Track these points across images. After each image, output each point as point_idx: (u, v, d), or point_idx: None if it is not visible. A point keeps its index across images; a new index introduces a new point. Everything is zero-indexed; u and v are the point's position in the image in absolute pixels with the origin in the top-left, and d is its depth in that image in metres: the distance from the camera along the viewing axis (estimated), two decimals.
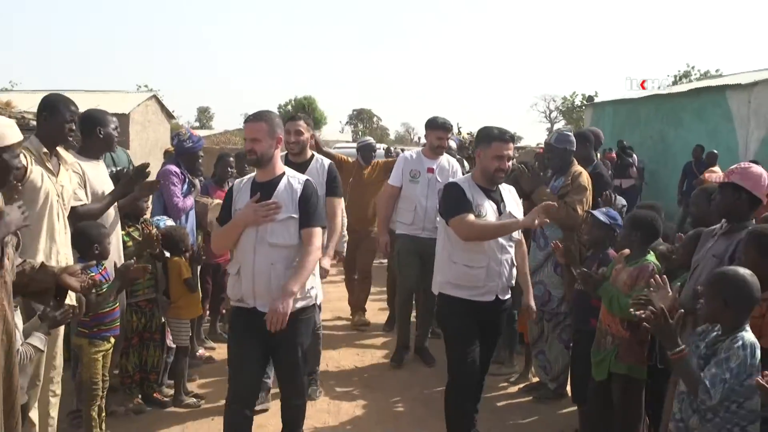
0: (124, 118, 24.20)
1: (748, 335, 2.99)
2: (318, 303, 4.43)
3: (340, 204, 5.65)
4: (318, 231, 4.17)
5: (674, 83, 42.79)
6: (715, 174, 3.81)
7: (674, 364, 3.11)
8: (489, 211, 4.53)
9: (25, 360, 3.29)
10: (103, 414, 4.75)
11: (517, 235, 4.71)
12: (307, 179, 4.26)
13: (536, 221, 4.45)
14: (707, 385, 2.90)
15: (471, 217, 4.44)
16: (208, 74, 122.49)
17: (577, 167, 5.80)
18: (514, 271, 4.70)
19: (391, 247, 7.05)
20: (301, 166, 5.28)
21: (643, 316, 3.21)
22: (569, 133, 6.07)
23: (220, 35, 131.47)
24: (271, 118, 4.15)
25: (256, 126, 4.10)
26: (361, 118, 78.18)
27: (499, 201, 4.64)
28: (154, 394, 5.50)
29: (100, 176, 4.96)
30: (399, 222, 6.74)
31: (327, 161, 5.68)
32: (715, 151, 13.96)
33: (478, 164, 4.66)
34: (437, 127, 6.65)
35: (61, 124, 4.39)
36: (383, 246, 7.00)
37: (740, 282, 3.05)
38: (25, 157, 4.06)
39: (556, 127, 49.90)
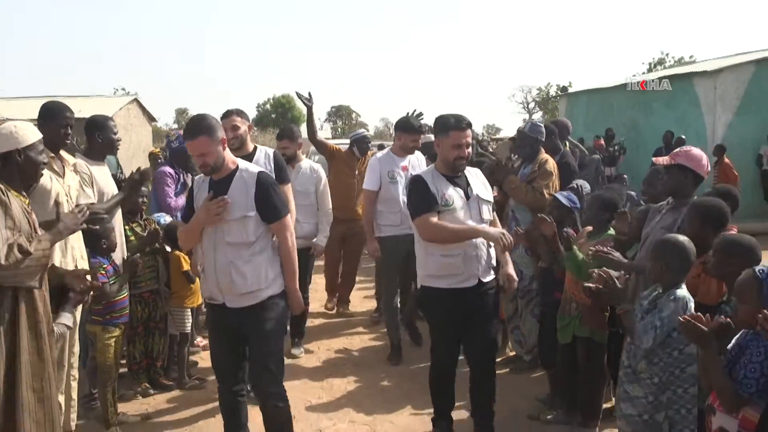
0: None
1: (681, 291, 3.49)
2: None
3: (290, 190, 5.58)
4: (285, 221, 4.20)
5: (649, 71, 43.42)
6: (662, 158, 4.28)
7: (622, 319, 3.61)
8: (455, 198, 4.55)
9: (61, 336, 3.73)
10: (116, 395, 5.18)
11: (488, 215, 4.69)
12: (259, 171, 4.18)
13: (500, 240, 4.38)
14: (640, 332, 3.39)
15: (433, 218, 4.47)
16: (185, 76, 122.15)
17: (544, 155, 6.29)
18: (493, 251, 4.70)
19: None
20: (245, 159, 5.09)
21: (594, 283, 3.72)
22: (541, 125, 6.54)
23: (196, 36, 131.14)
24: (208, 126, 4.00)
25: (197, 142, 3.99)
26: (339, 115, 78.14)
27: (465, 186, 4.64)
28: (160, 379, 5.93)
29: (104, 178, 5.37)
30: (385, 225, 6.72)
31: (271, 151, 5.65)
32: (683, 137, 14.58)
33: (439, 154, 4.67)
34: (413, 130, 6.70)
35: (57, 129, 4.72)
36: (373, 252, 6.91)
37: (679, 247, 3.55)
38: None
39: (534, 117, 50.45)
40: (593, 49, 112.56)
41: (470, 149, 4.64)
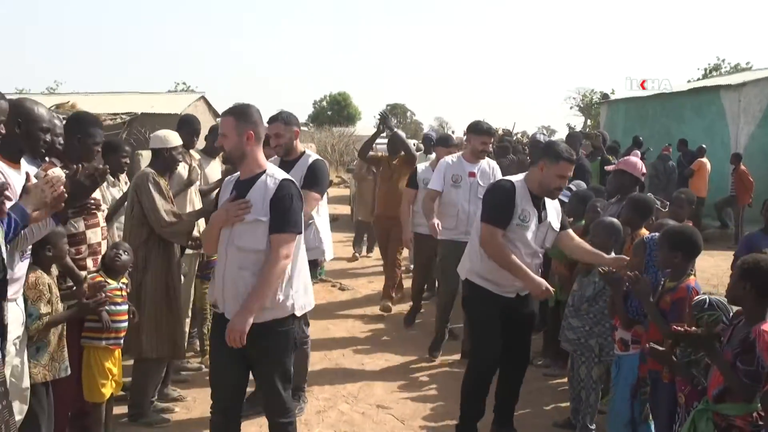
0: (175, 119, 26.32)
1: None
2: (298, 313, 4.01)
3: (313, 197, 5.11)
4: (287, 238, 3.80)
5: (704, 76, 43.78)
6: (611, 165, 5.96)
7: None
8: (532, 217, 4.70)
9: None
10: None
11: (549, 243, 4.93)
12: (284, 179, 3.90)
13: (541, 291, 4.66)
14: (585, 285, 4.98)
15: (500, 234, 4.61)
16: (246, 74, 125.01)
17: None
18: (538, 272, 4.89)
19: (417, 248, 7.69)
20: (290, 164, 5.15)
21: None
22: (545, 134, 8.21)
23: (253, 32, 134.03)
24: (242, 112, 3.89)
25: (224, 121, 3.93)
26: (395, 114, 79.32)
27: (541, 209, 4.77)
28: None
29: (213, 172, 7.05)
30: (444, 228, 6.65)
31: (314, 157, 5.36)
32: (704, 145, 15.82)
33: (538, 175, 4.71)
34: (482, 132, 6.76)
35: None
36: (407, 242, 7.64)
37: (608, 227, 5.08)
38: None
39: (579, 120, 51.26)
40: (651, 54, 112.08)
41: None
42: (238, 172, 4.02)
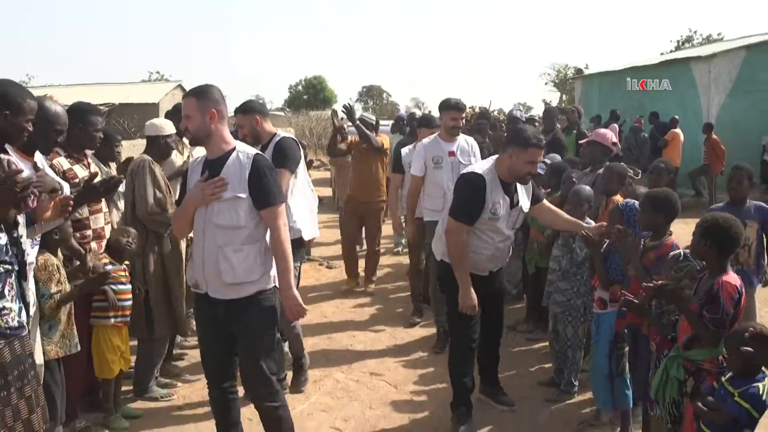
0: (153, 108, 26.58)
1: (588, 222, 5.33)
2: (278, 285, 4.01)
3: (283, 175, 4.92)
4: (278, 209, 3.87)
5: (677, 48, 44.21)
6: (608, 132, 6.31)
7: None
8: (504, 207, 4.73)
9: None
10: None
11: (519, 224, 5.05)
12: (256, 153, 3.94)
13: (466, 305, 4.71)
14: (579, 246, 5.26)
15: (464, 232, 4.68)
16: (217, 59, 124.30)
17: None
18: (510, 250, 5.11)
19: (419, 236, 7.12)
20: (263, 150, 5.14)
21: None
22: (522, 110, 8.49)
23: (227, 20, 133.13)
24: (204, 92, 3.88)
25: (186, 102, 3.89)
26: (371, 95, 79.01)
27: (513, 194, 4.79)
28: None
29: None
30: (427, 209, 6.71)
31: (282, 136, 5.35)
32: (676, 116, 16.19)
33: (507, 162, 4.69)
34: (450, 107, 6.66)
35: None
36: (411, 235, 7.19)
37: (587, 195, 5.37)
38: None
39: (555, 96, 51.70)
40: (623, 27, 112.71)
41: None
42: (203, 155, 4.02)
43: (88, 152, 5.05)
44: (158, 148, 5.51)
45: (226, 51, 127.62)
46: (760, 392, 3.15)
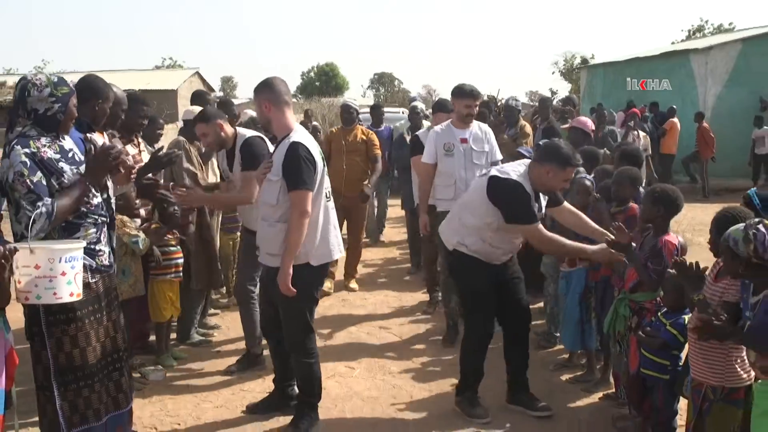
0: (173, 94, 27.52)
1: None
2: (313, 263, 4.45)
3: (249, 177, 5.10)
4: (300, 194, 4.27)
5: (688, 38, 44.24)
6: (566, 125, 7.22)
7: None
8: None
9: None
10: None
11: None
12: (293, 141, 4.36)
13: (608, 257, 4.67)
14: None
15: (542, 229, 4.71)
16: (230, 45, 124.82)
17: (522, 121, 9.08)
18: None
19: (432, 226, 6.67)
20: (231, 154, 5.48)
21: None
22: (518, 101, 9.32)
23: (240, 7, 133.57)
24: (259, 85, 4.54)
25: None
26: (382, 82, 78.60)
27: (539, 201, 4.82)
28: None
29: None
30: (439, 199, 6.50)
31: (247, 136, 5.43)
32: (674, 106, 16.97)
33: (545, 178, 4.67)
34: (465, 95, 6.43)
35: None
36: (423, 225, 6.71)
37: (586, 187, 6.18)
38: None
39: (563, 85, 52.05)
40: (635, 16, 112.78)
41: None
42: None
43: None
44: (192, 130, 6.28)
45: (238, 37, 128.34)
46: (686, 322, 4.04)
